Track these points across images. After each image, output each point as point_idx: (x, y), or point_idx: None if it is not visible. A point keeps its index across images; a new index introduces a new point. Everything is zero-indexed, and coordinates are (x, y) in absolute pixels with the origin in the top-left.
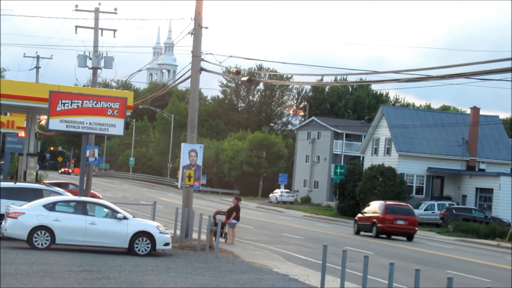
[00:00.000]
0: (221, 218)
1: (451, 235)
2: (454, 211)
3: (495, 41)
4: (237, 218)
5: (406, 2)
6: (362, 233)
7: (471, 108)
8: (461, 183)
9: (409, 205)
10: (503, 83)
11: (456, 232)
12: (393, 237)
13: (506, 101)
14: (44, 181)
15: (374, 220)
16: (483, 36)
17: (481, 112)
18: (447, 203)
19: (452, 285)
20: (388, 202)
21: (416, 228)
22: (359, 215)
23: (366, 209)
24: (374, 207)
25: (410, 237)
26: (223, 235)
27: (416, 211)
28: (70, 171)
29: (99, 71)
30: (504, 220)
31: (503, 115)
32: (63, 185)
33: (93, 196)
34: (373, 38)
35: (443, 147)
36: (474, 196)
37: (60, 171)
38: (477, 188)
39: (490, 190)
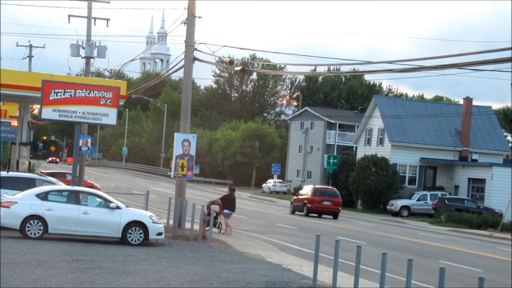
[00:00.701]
0: (215, 208)
1: (444, 225)
2: (446, 202)
3: (489, 32)
4: (232, 208)
5: None
6: (296, 213)
7: (464, 99)
8: (453, 173)
9: (334, 188)
10: (496, 73)
11: (449, 222)
12: (324, 216)
13: (499, 91)
14: (42, 171)
15: (305, 201)
16: (477, 26)
17: (474, 103)
18: (439, 193)
19: (444, 275)
20: (316, 186)
21: (340, 208)
22: (294, 197)
23: (300, 192)
24: (306, 190)
25: (335, 216)
26: (217, 226)
27: (409, 201)
28: (58, 160)
29: (92, 60)
30: (496, 211)
31: (496, 106)
32: (60, 175)
33: (91, 186)
34: (367, 28)
35: (436, 138)
36: (466, 187)
37: (47, 160)
38: (469, 179)
39: (483, 181)
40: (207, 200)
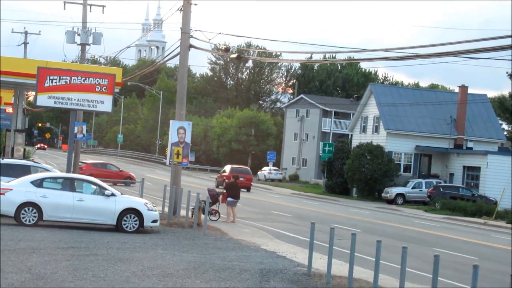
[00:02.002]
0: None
1: (439, 213)
2: (441, 189)
3: (486, 20)
4: (237, 196)
5: None
6: (220, 186)
7: (460, 87)
8: (448, 161)
9: (247, 167)
10: (491, 61)
11: (444, 210)
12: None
13: (495, 79)
14: (85, 161)
15: (225, 177)
16: (474, 15)
17: (469, 91)
18: (434, 181)
19: (438, 263)
20: (233, 166)
21: (251, 183)
22: (218, 174)
23: (223, 170)
24: (226, 169)
25: (248, 189)
26: (214, 213)
27: (404, 189)
28: (46, 146)
29: (87, 47)
30: (491, 198)
31: (491, 94)
32: (102, 166)
33: (129, 177)
34: (365, 17)
35: (431, 126)
36: (461, 174)
37: (36, 147)
38: (464, 167)
39: (478, 169)
40: (203, 188)
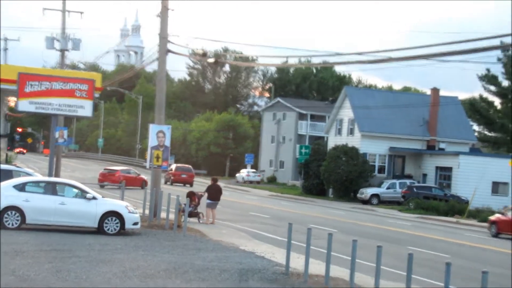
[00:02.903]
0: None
1: (412, 212)
2: (415, 189)
3: (458, 23)
4: (217, 198)
5: None
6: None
7: (431, 89)
8: (421, 162)
9: (190, 166)
10: (462, 64)
11: (417, 209)
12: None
13: (466, 82)
14: (114, 168)
15: (171, 175)
16: (447, 18)
17: (441, 93)
18: (408, 181)
19: (412, 261)
20: (178, 165)
21: (193, 180)
22: (168, 171)
23: (170, 169)
24: (172, 167)
25: (191, 184)
26: (196, 215)
27: (378, 190)
28: (25, 151)
29: (66, 53)
30: (463, 198)
31: (462, 96)
32: (127, 171)
33: (145, 181)
34: (340, 22)
35: (404, 127)
36: (434, 175)
37: (15, 151)
38: (437, 167)
39: (450, 169)
40: (183, 191)
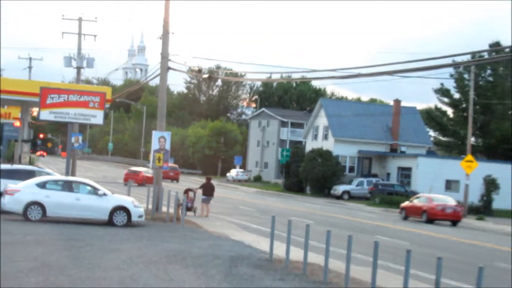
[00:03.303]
0: (191, 194)
1: (378, 206)
2: (380, 187)
3: (417, 44)
4: (210, 194)
5: (347, 18)
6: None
7: (394, 101)
8: (386, 163)
9: (176, 165)
10: (420, 79)
11: (382, 204)
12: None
13: (423, 94)
14: (132, 168)
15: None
16: (407, 41)
17: (402, 104)
18: (374, 179)
19: (378, 247)
20: (167, 164)
21: (179, 177)
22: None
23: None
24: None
25: (177, 180)
26: (192, 210)
27: (349, 187)
28: (45, 153)
29: (82, 70)
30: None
31: (420, 106)
32: (146, 172)
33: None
34: (318, 41)
35: (371, 133)
36: (396, 174)
37: (36, 154)
38: (398, 167)
39: (409, 169)
40: (181, 188)
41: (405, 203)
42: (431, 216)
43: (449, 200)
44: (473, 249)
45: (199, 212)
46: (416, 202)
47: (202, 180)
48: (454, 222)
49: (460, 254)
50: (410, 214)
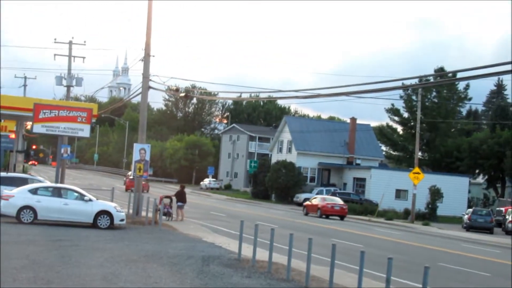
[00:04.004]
0: (166, 201)
1: None
2: (337, 195)
3: (371, 68)
4: (184, 201)
5: (308, 37)
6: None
7: (350, 118)
8: (343, 174)
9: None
10: (373, 100)
11: None
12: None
13: (376, 113)
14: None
15: (127, 180)
16: (363, 65)
17: (358, 121)
18: (332, 189)
19: (335, 249)
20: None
21: (148, 185)
22: (127, 178)
23: (127, 174)
24: (129, 173)
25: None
26: (167, 215)
27: (310, 195)
28: (36, 163)
29: (71, 88)
30: (374, 201)
31: (374, 124)
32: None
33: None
34: (284, 64)
35: (330, 147)
36: (352, 184)
37: (28, 163)
38: (354, 178)
39: (364, 179)
40: (159, 195)
41: (306, 203)
42: (323, 212)
43: (337, 200)
44: (419, 250)
45: (174, 217)
46: (314, 201)
47: (177, 187)
48: (342, 217)
49: (407, 255)
50: (309, 211)
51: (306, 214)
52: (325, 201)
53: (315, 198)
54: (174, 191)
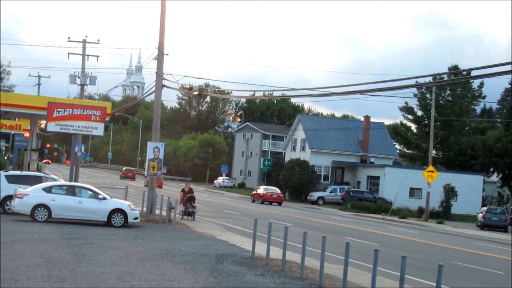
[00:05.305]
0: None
1: (349, 211)
2: (351, 193)
3: (385, 67)
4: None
5: (318, 38)
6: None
7: (364, 117)
8: (356, 172)
9: (133, 168)
10: (387, 98)
11: (353, 209)
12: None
13: (390, 111)
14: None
15: (122, 173)
16: (376, 64)
17: (372, 120)
18: (346, 187)
19: (349, 248)
20: (126, 167)
21: (135, 175)
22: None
23: (123, 169)
24: (124, 168)
25: (134, 179)
26: (190, 214)
27: (323, 193)
28: (50, 161)
29: (85, 87)
30: (388, 200)
31: (387, 122)
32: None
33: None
34: (297, 62)
35: (344, 145)
36: (366, 182)
37: (42, 161)
38: (368, 176)
39: (378, 178)
40: (173, 193)
41: (253, 192)
42: (264, 199)
43: (276, 190)
44: (433, 249)
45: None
46: (258, 191)
47: (194, 187)
48: (279, 203)
49: (421, 253)
50: (255, 198)
51: (253, 201)
52: (266, 190)
53: (259, 188)
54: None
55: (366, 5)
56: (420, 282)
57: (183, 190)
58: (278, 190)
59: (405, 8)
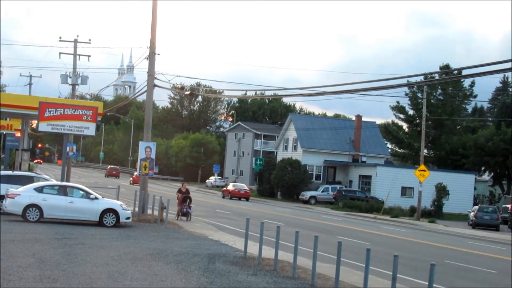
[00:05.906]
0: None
1: (341, 210)
2: (343, 192)
3: (377, 66)
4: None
5: (313, 38)
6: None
7: (356, 116)
8: (348, 171)
9: (118, 166)
10: (379, 97)
11: (345, 208)
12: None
13: (381, 110)
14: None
15: (106, 171)
16: (368, 62)
17: (363, 119)
18: (338, 186)
19: (341, 247)
20: (111, 166)
21: (119, 173)
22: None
23: (108, 168)
24: (109, 167)
25: (118, 176)
26: (186, 215)
27: (315, 192)
28: (42, 161)
29: (77, 86)
30: (379, 199)
31: (379, 121)
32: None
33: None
34: (289, 61)
35: (336, 145)
36: (358, 181)
37: (34, 161)
38: (360, 175)
39: (369, 177)
40: (165, 193)
41: (223, 189)
42: (233, 195)
43: (243, 186)
44: (425, 248)
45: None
46: (228, 188)
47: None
48: (246, 199)
49: (413, 252)
50: (225, 194)
51: (223, 197)
52: (234, 187)
53: (228, 185)
54: (176, 188)
55: (358, 4)
56: (413, 281)
57: (179, 190)
58: (245, 187)
59: (397, 7)
